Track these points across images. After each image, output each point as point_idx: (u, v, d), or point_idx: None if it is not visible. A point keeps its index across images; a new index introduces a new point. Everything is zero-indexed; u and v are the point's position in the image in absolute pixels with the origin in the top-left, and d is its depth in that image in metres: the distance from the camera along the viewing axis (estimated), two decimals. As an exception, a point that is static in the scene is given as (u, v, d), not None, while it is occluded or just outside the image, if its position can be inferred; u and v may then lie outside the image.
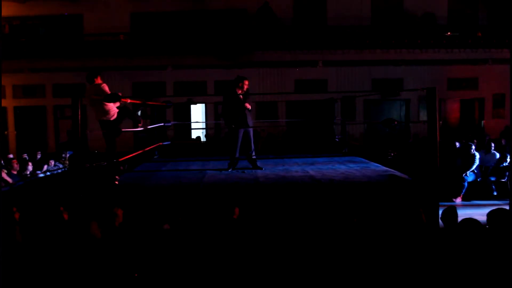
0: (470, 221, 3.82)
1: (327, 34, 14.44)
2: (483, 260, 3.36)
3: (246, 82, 6.80)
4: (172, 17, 15.09)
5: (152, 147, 8.38)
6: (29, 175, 9.14)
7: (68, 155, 11.06)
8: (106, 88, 5.87)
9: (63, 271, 3.35)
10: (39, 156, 11.40)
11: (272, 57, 14.26)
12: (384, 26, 14.90)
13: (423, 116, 13.89)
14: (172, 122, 10.57)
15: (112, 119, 5.98)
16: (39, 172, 9.64)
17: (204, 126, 15.18)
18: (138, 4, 15.13)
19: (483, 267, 3.31)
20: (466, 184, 8.61)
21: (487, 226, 3.91)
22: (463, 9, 15.50)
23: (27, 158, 10.40)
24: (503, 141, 11.27)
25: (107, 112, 5.91)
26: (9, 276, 3.30)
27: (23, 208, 4.82)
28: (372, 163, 7.54)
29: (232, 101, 6.77)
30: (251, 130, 6.93)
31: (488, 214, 3.91)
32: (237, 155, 6.93)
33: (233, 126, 6.77)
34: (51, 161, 10.46)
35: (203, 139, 15.13)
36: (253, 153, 6.99)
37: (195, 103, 15.61)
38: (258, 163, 7.01)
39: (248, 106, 6.74)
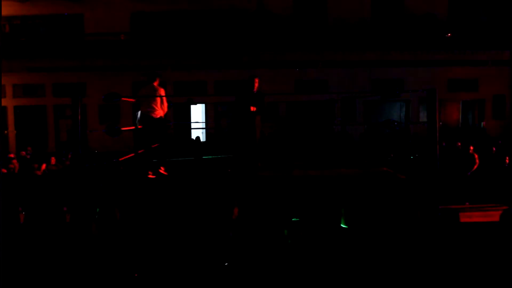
0: (449, 215, 3.85)
1: (327, 35, 14.46)
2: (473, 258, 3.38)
3: (256, 80, 6.81)
4: (172, 16, 15.10)
5: (152, 147, 8.36)
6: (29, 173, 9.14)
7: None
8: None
9: (64, 270, 3.35)
10: (38, 155, 11.40)
11: (272, 57, 14.27)
12: (384, 27, 14.91)
13: (423, 117, 13.89)
14: (172, 122, 10.57)
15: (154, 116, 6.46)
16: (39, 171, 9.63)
17: (204, 126, 15.18)
18: (138, 4, 15.15)
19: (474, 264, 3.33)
20: (466, 185, 8.60)
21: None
22: (463, 10, 15.51)
23: (29, 157, 10.40)
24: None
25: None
26: (9, 275, 3.30)
27: (27, 207, 4.82)
28: (372, 163, 7.54)
29: (242, 101, 6.79)
30: (255, 130, 6.93)
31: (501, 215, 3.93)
32: (239, 154, 6.93)
33: (239, 125, 6.79)
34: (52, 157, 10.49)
35: (203, 139, 15.13)
36: (255, 153, 6.99)
37: (195, 103, 15.62)
38: (258, 163, 7.01)
39: (253, 108, 6.73)
